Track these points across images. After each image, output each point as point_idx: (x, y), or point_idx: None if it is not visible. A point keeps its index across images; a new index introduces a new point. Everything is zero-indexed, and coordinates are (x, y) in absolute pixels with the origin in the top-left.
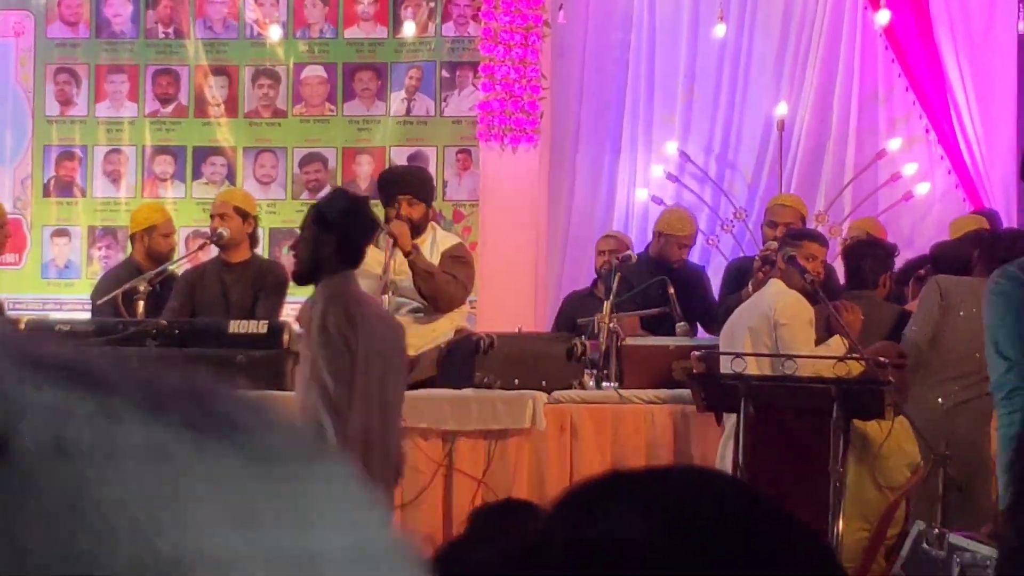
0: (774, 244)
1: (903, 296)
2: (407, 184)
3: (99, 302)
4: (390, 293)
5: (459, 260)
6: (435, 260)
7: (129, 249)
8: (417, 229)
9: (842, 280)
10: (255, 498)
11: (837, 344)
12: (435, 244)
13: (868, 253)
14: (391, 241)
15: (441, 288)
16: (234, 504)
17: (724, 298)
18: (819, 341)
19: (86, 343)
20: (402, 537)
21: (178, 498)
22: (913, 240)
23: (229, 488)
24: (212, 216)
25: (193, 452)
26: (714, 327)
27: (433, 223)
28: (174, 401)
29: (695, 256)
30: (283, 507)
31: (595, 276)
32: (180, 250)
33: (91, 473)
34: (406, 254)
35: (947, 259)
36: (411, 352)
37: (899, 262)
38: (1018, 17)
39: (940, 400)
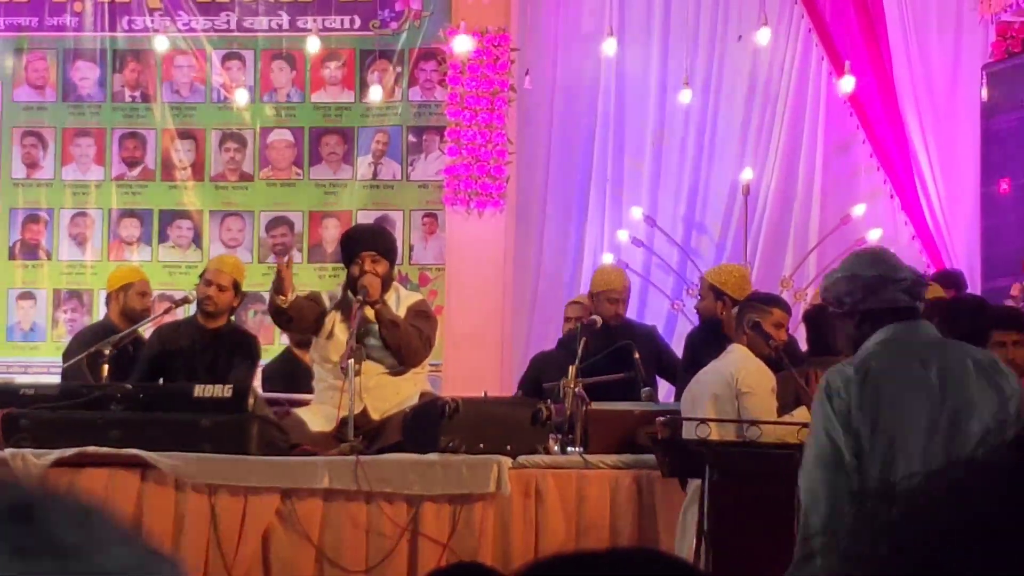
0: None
1: None
2: (370, 242)
3: (67, 365)
4: (356, 355)
5: (422, 314)
6: (401, 315)
7: (97, 312)
8: (382, 287)
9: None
10: None
11: (803, 415)
12: (399, 301)
13: (829, 319)
14: (361, 300)
15: (406, 339)
16: None
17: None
18: (787, 410)
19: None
20: None
21: None
22: None
23: None
24: (208, 282)
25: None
26: (677, 380)
27: (397, 283)
28: (2, 525)
29: (660, 320)
30: None
31: (559, 340)
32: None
33: None
34: (373, 304)
35: None
36: (376, 416)
37: None
38: (980, 83)
39: None
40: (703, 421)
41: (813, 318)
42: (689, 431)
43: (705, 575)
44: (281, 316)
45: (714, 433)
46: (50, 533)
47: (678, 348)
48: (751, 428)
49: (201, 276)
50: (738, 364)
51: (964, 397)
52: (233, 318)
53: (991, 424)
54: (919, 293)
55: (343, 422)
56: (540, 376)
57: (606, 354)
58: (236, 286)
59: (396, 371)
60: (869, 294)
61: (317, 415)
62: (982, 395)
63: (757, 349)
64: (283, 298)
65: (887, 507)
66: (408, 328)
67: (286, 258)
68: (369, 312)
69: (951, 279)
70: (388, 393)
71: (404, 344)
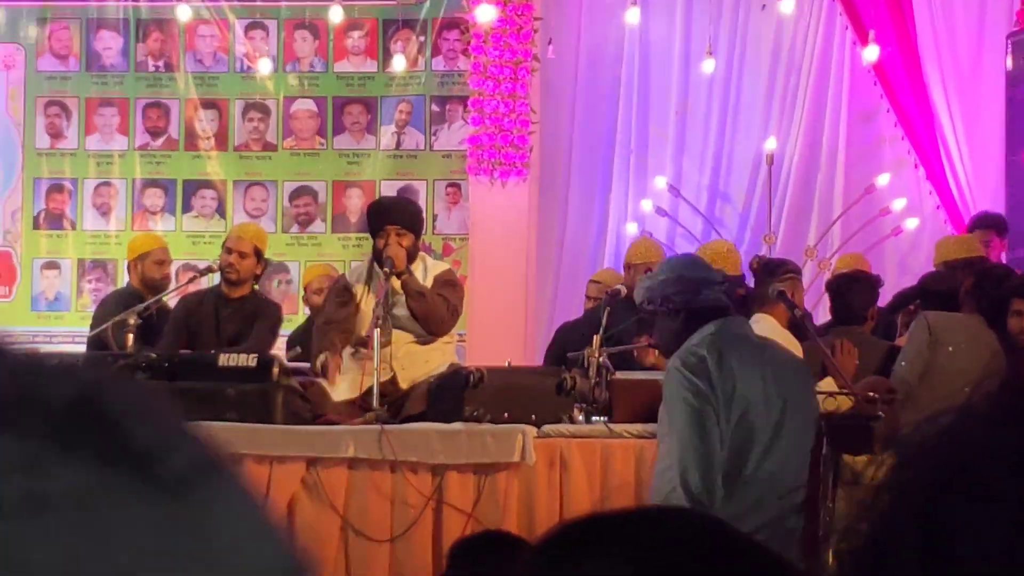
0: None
1: (893, 325)
2: (395, 215)
3: (92, 333)
4: (382, 325)
5: (449, 283)
6: (427, 285)
7: (120, 281)
8: (408, 258)
9: (827, 313)
10: (170, 534)
11: (828, 385)
12: (427, 271)
13: (854, 288)
14: (386, 271)
15: (432, 308)
16: (152, 546)
17: None
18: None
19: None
20: (298, 551)
21: (102, 549)
22: (902, 274)
23: (145, 530)
24: (229, 250)
25: (110, 494)
26: None
27: (423, 253)
28: (83, 434)
29: None
30: (195, 542)
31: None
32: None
33: (21, 532)
34: (399, 275)
35: (936, 293)
36: (404, 385)
37: (887, 294)
38: (1006, 52)
39: None
40: None
41: (837, 288)
42: None
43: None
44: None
45: None
46: (126, 436)
47: None
48: None
49: (223, 245)
50: (767, 333)
51: (789, 390)
52: (257, 287)
53: (809, 420)
54: (732, 294)
55: (369, 391)
56: (566, 346)
57: (632, 322)
58: (258, 253)
59: (425, 340)
60: (695, 294)
61: (341, 383)
62: (803, 393)
63: (780, 317)
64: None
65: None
66: (435, 298)
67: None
68: (396, 283)
69: (992, 220)
70: (418, 361)
71: (431, 313)
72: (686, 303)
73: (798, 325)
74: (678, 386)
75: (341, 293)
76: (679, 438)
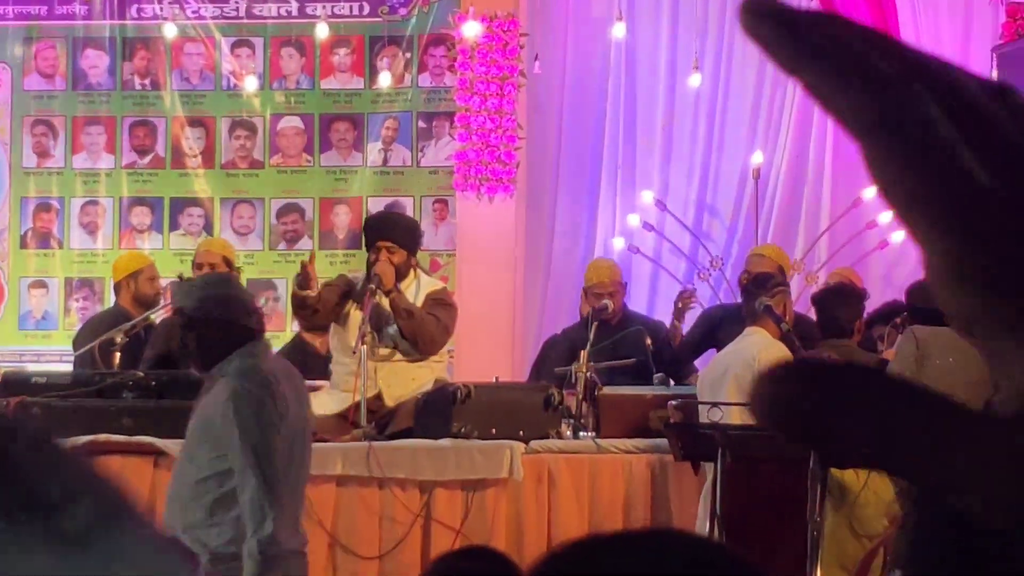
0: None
1: (871, 339)
2: (386, 231)
3: (78, 353)
4: (368, 341)
5: (440, 302)
6: (419, 303)
7: (108, 300)
8: (398, 275)
9: None
10: None
11: None
12: (419, 289)
13: (842, 302)
14: (374, 288)
15: (421, 327)
16: None
17: (689, 344)
18: None
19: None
20: None
21: None
22: (887, 287)
23: None
24: (199, 265)
25: (15, 548)
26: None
27: (418, 269)
28: None
29: (671, 306)
30: None
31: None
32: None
33: None
34: (387, 293)
35: (922, 309)
36: (390, 403)
37: (872, 308)
38: (991, 65)
39: None
40: (714, 405)
41: (822, 301)
42: (703, 414)
43: (736, 554)
44: (306, 309)
45: (735, 416)
46: (29, 486)
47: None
48: None
49: (192, 263)
50: (760, 345)
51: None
52: None
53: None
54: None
55: (356, 407)
56: (548, 362)
57: (615, 340)
58: (228, 263)
59: (413, 358)
60: (244, 313)
61: (327, 399)
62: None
63: (773, 332)
64: (310, 293)
65: None
66: (424, 316)
67: (309, 254)
68: (385, 301)
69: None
70: (403, 379)
71: (420, 332)
72: (236, 320)
73: (787, 338)
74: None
75: (340, 287)
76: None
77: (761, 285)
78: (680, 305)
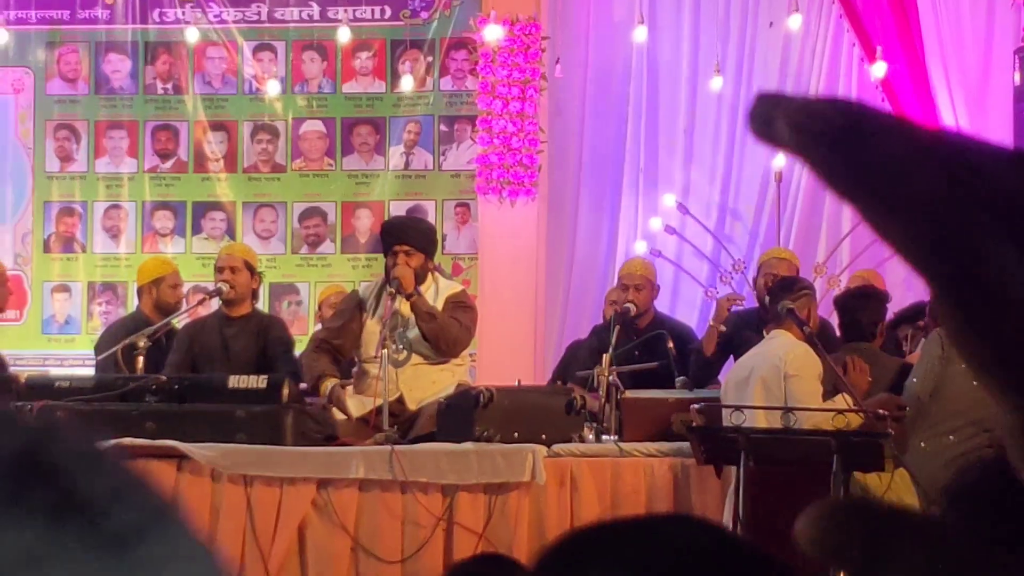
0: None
1: (896, 339)
2: (404, 235)
3: (100, 358)
4: (392, 346)
5: (461, 305)
6: (438, 307)
7: (131, 304)
8: (416, 279)
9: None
10: None
11: (841, 404)
12: (438, 292)
13: (864, 305)
14: (392, 292)
15: (443, 329)
16: None
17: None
18: (826, 396)
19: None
20: None
21: None
22: (909, 290)
23: None
24: (220, 269)
25: (59, 553)
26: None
27: (436, 273)
28: (29, 489)
29: (693, 310)
30: None
31: (593, 328)
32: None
33: None
34: (408, 296)
35: None
36: (412, 406)
37: (893, 311)
38: (1013, 67)
39: (940, 452)
40: (737, 408)
41: (844, 304)
42: (726, 417)
43: (739, 539)
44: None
45: (760, 419)
46: (73, 490)
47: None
48: (790, 414)
49: (215, 268)
50: (787, 348)
51: None
52: (258, 305)
53: None
54: None
55: (378, 411)
56: (570, 365)
57: (638, 343)
58: (250, 267)
59: (435, 361)
60: None
61: (349, 403)
62: None
63: (798, 334)
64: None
65: None
66: (446, 319)
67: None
68: (405, 306)
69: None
70: (425, 383)
71: (442, 335)
72: None
73: (810, 342)
74: None
75: (351, 309)
76: None
77: (787, 288)
78: (728, 308)
